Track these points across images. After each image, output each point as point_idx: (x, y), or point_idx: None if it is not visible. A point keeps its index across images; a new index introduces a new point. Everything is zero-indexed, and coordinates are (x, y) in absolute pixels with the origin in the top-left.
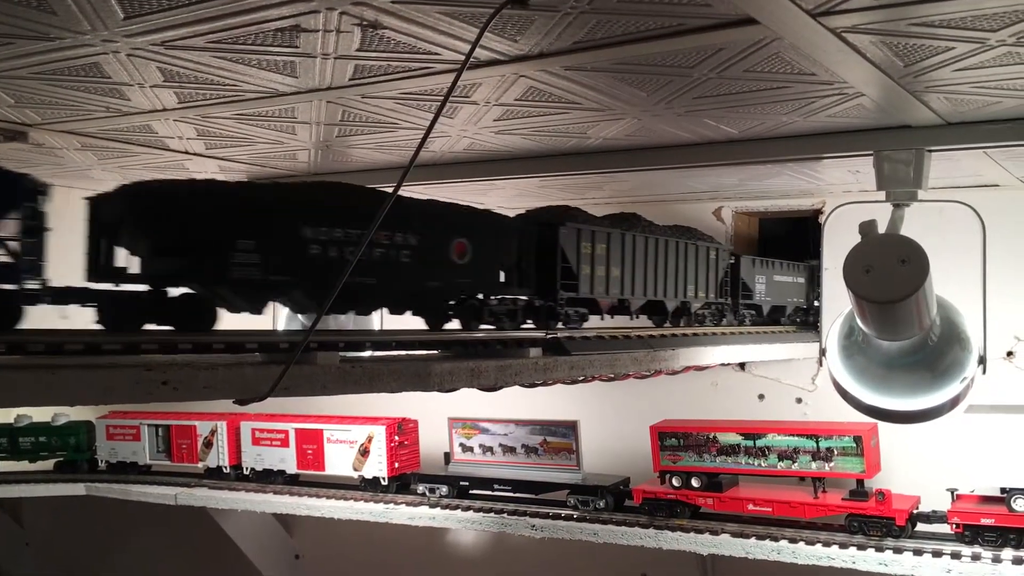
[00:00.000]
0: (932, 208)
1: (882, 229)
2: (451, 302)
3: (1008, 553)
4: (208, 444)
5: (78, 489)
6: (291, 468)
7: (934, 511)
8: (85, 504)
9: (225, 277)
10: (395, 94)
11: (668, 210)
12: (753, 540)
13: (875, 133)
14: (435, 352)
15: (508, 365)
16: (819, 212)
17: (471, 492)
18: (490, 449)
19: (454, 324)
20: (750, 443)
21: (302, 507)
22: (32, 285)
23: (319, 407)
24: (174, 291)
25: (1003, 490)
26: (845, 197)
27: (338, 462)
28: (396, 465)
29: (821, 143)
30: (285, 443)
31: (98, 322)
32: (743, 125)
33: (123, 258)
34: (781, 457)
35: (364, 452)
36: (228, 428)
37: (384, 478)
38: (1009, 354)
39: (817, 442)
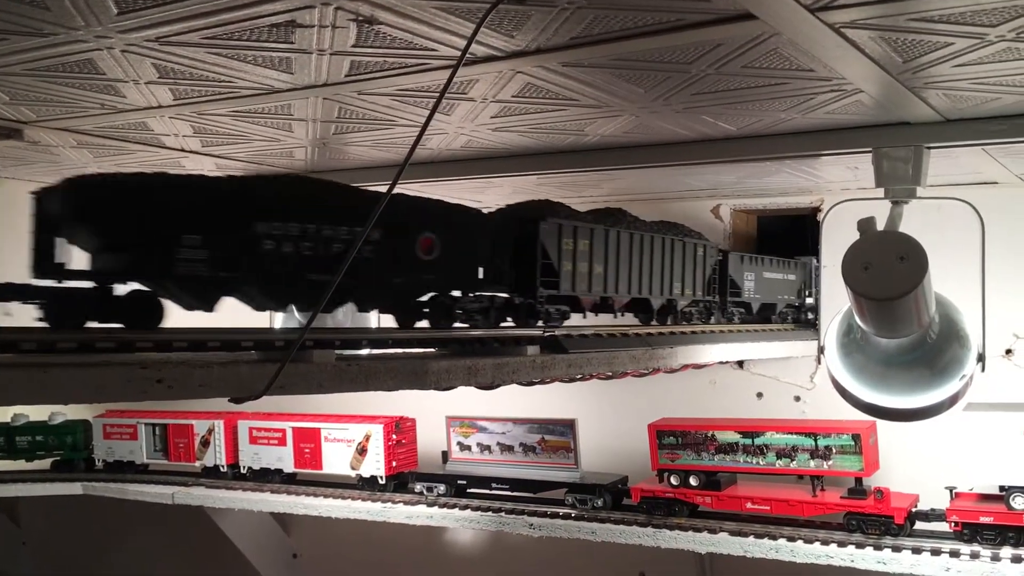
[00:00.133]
0: (931, 205)
1: (881, 226)
2: (420, 300)
3: (1007, 551)
4: (205, 443)
5: (75, 488)
6: (288, 467)
7: (933, 509)
8: (82, 503)
9: (170, 273)
10: (391, 91)
11: (666, 208)
12: (751, 538)
13: (874, 130)
14: (432, 350)
15: (506, 363)
16: (817, 210)
17: (469, 491)
18: (488, 448)
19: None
20: (748, 441)
21: (299, 506)
22: None
23: (316, 406)
24: (125, 287)
25: (1002, 488)
26: (843, 194)
27: (335, 461)
28: (394, 464)
29: (820, 140)
30: (282, 442)
31: (41, 320)
32: (741, 122)
33: (73, 254)
34: (779, 455)
35: (362, 451)
36: (225, 427)
37: (382, 477)
38: (1008, 352)
39: (815, 440)
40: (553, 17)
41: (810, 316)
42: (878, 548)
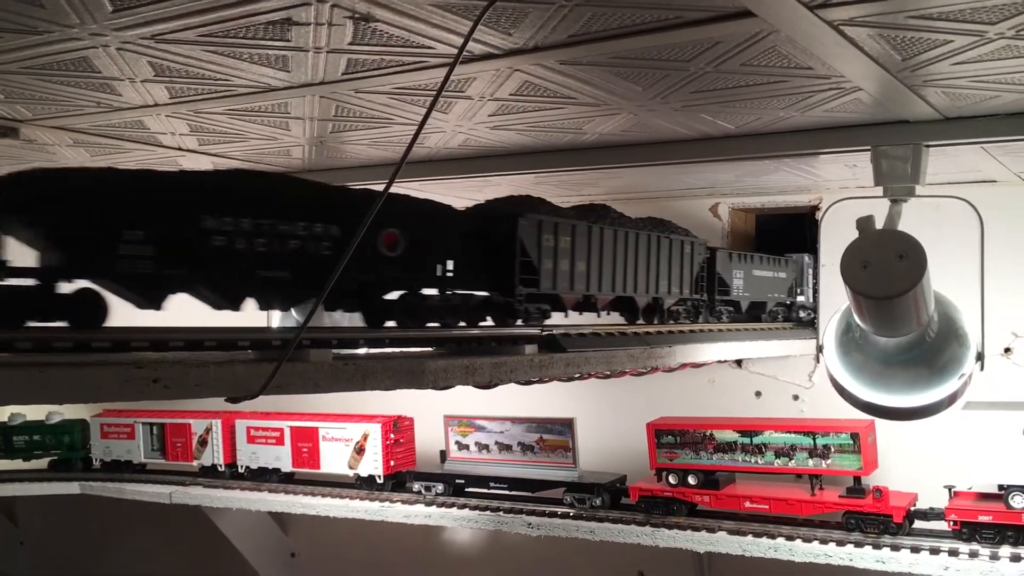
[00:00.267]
0: (930, 204)
1: (880, 225)
2: (388, 298)
3: (1006, 550)
4: (203, 442)
5: (73, 488)
6: (286, 466)
7: (931, 508)
8: (80, 503)
9: (112, 270)
10: (389, 89)
11: (665, 206)
12: (750, 538)
13: (872, 128)
14: (430, 349)
15: (503, 362)
16: (816, 208)
17: (467, 490)
18: (486, 447)
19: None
20: (747, 440)
21: (297, 505)
22: None
23: (314, 405)
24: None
25: (1001, 487)
26: (842, 193)
27: (333, 460)
28: (392, 463)
29: (818, 138)
30: (280, 441)
31: None
32: (740, 120)
33: (21, 250)
34: (778, 454)
35: (360, 450)
36: (223, 426)
37: (380, 476)
38: (1007, 350)
39: (814, 439)
40: (551, 15)
41: (802, 315)
42: (877, 547)
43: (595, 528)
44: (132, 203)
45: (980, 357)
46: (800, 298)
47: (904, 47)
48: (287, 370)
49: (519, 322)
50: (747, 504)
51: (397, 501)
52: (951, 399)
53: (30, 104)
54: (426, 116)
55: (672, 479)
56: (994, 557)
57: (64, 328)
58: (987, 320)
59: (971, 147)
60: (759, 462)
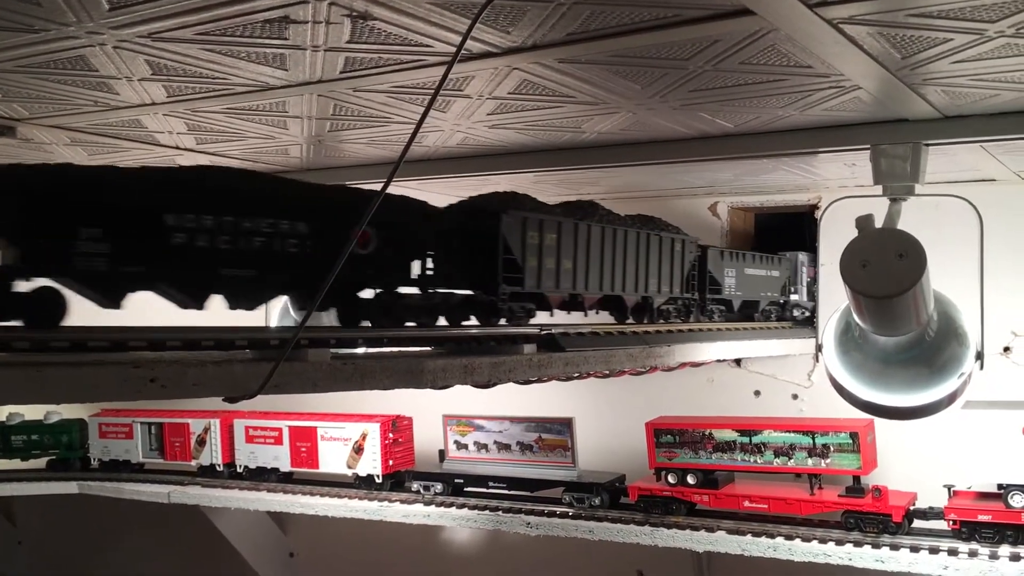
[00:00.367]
0: (929, 203)
1: (879, 224)
2: (363, 297)
3: (1005, 550)
4: (201, 442)
5: (71, 487)
6: (285, 466)
7: (931, 507)
8: (78, 502)
9: (69, 268)
10: (387, 87)
11: (664, 205)
12: (749, 537)
13: (872, 127)
14: (428, 348)
15: (502, 362)
16: (815, 207)
17: (466, 490)
18: (485, 446)
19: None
20: (746, 440)
21: (296, 505)
22: None
23: (313, 405)
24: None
25: (1000, 486)
26: (841, 192)
27: (332, 460)
28: (390, 463)
29: (817, 137)
30: (279, 441)
31: None
32: (739, 119)
33: None
34: (777, 454)
35: (358, 450)
36: (221, 426)
37: (378, 476)
38: (1006, 349)
39: (813, 438)
40: (549, 13)
41: (796, 313)
42: (876, 546)
43: (594, 527)
44: (89, 200)
45: (980, 356)
46: (794, 297)
47: (904, 45)
48: (285, 370)
49: (503, 321)
50: (746, 503)
51: (396, 501)
52: (950, 398)
53: (27, 103)
54: (424, 114)
55: (671, 478)
56: (993, 556)
57: (63, 327)
58: (986, 319)
59: (970, 146)
60: (758, 461)
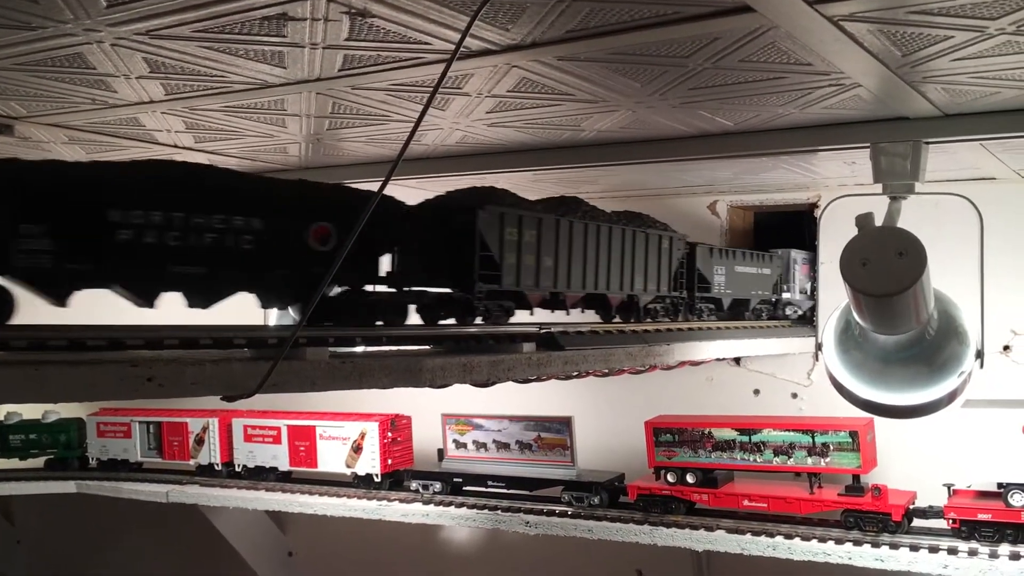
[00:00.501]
0: (929, 201)
1: (879, 222)
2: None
3: (1005, 549)
4: (200, 441)
5: (69, 487)
6: (283, 465)
7: (930, 506)
8: (76, 502)
9: (10, 265)
10: (386, 85)
11: (663, 204)
12: (748, 536)
13: (872, 125)
14: (427, 347)
15: (501, 360)
16: (814, 206)
17: (465, 489)
18: (484, 445)
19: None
20: (745, 439)
21: (295, 504)
22: None
23: (311, 404)
24: None
25: (1000, 485)
26: (841, 190)
27: (331, 459)
28: (389, 462)
29: (817, 135)
30: (277, 440)
31: None
32: (738, 117)
33: None
34: (776, 453)
35: (357, 449)
36: (220, 425)
37: (377, 475)
38: (1006, 348)
39: (813, 437)
40: (549, 10)
41: (787, 312)
42: (875, 545)
43: (593, 527)
44: (31, 195)
45: (980, 355)
46: (786, 295)
47: (904, 43)
48: (283, 368)
49: (479, 320)
50: (746, 502)
51: (395, 500)
52: (950, 397)
53: (25, 101)
54: (423, 113)
55: (670, 477)
56: (993, 555)
57: (62, 327)
58: (987, 318)
59: (970, 144)
60: (758, 460)
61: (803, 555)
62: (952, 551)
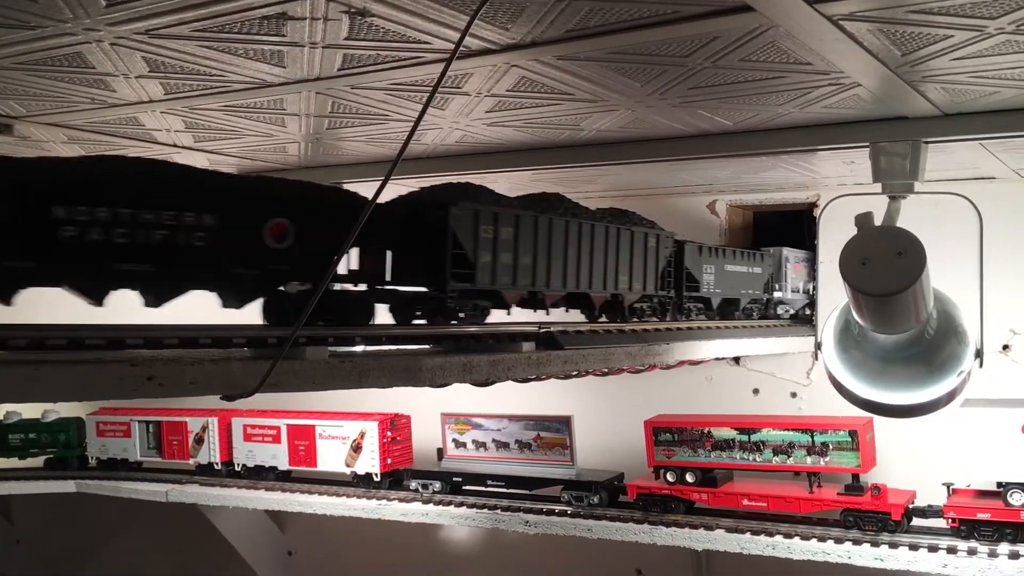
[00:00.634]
0: (929, 200)
1: (878, 221)
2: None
3: (1004, 548)
4: (199, 440)
5: (68, 486)
6: (283, 464)
7: (930, 506)
8: (76, 501)
9: None
10: (385, 85)
11: (662, 204)
12: (748, 535)
13: (871, 124)
14: (426, 347)
15: (500, 360)
16: (814, 205)
17: (464, 488)
18: (483, 445)
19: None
20: (745, 438)
21: (294, 503)
22: None
23: (311, 403)
24: None
25: (999, 484)
26: (840, 190)
27: (330, 458)
28: (389, 461)
29: (817, 135)
30: (277, 439)
31: None
32: (738, 116)
33: None
34: (776, 452)
35: (357, 448)
36: (219, 424)
37: (377, 474)
38: (1005, 347)
39: (812, 437)
40: (548, 9)
41: (779, 311)
42: (875, 545)
43: (593, 526)
44: None
45: (979, 354)
46: (777, 294)
47: (904, 42)
48: (283, 368)
49: (454, 321)
50: (745, 502)
51: (394, 499)
52: (950, 396)
53: (24, 100)
54: (423, 112)
55: (670, 477)
56: (992, 555)
57: (59, 325)
58: (986, 317)
59: (970, 143)
60: (757, 460)
61: (802, 554)
62: (951, 550)
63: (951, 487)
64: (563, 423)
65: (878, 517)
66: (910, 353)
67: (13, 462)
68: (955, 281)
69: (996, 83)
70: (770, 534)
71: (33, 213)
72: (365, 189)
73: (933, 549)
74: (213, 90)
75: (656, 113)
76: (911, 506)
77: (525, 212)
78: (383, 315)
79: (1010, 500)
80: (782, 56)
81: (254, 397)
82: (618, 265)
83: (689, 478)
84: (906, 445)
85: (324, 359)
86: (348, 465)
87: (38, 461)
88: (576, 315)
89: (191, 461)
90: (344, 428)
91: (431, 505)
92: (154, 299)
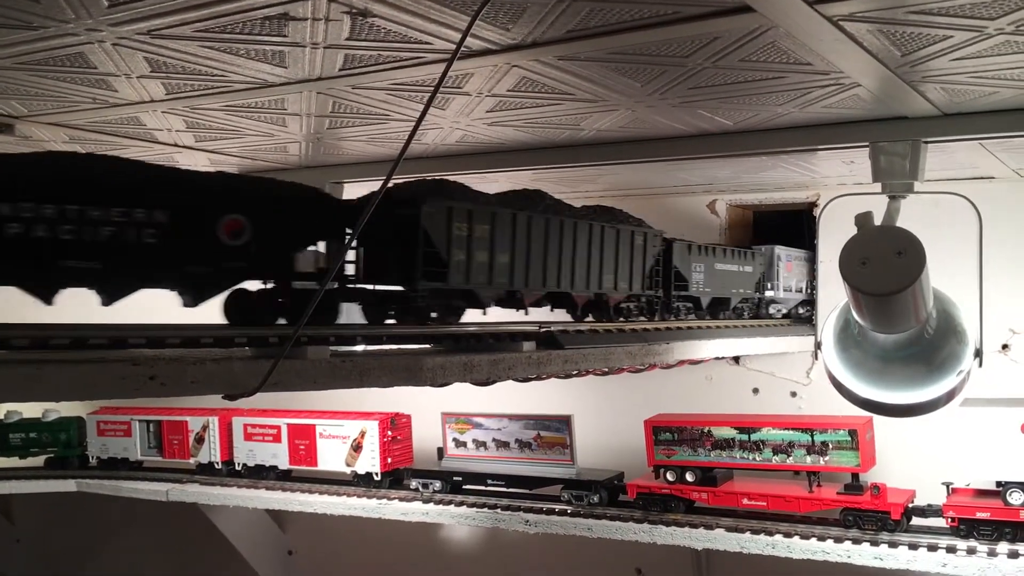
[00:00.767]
0: (928, 200)
1: (878, 221)
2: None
3: (1003, 547)
4: (200, 440)
5: (69, 486)
6: (283, 464)
7: (929, 505)
8: (76, 500)
9: None
10: (386, 85)
11: (662, 203)
12: (748, 535)
13: (871, 124)
14: (427, 346)
15: (501, 359)
16: (814, 205)
17: (464, 487)
18: (483, 444)
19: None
20: (745, 437)
21: (295, 503)
22: None
23: (312, 403)
24: None
25: (999, 484)
26: (839, 190)
27: (331, 457)
28: (389, 460)
29: (817, 135)
30: (277, 438)
31: None
32: (738, 116)
33: None
34: (776, 451)
35: (357, 447)
36: (220, 424)
37: (377, 473)
38: (1004, 347)
39: (812, 436)
40: (549, 9)
41: (771, 311)
42: (875, 544)
43: (593, 525)
44: None
45: (978, 354)
46: (769, 293)
47: (903, 42)
48: (284, 367)
49: (429, 321)
50: (745, 501)
51: (394, 498)
52: (949, 396)
53: (25, 100)
54: (423, 112)
55: (670, 476)
56: (992, 554)
57: (62, 325)
58: (985, 317)
59: (969, 143)
60: (757, 459)
61: (802, 553)
62: (951, 549)
63: (950, 486)
64: (563, 422)
65: (878, 516)
66: (910, 352)
67: (14, 461)
68: (955, 281)
69: (995, 83)
70: (770, 533)
71: None
72: (365, 189)
73: (932, 548)
74: (214, 90)
75: (656, 113)
76: (910, 505)
77: (502, 209)
78: (353, 315)
79: (1009, 499)
80: (782, 56)
81: (255, 396)
82: (602, 264)
83: (689, 477)
84: (906, 444)
85: (325, 359)
86: (348, 464)
87: (39, 460)
88: (562, 315)
89: (191, 460)
90: (344, 427)
91: (431, 504)
92: (107, 297)
